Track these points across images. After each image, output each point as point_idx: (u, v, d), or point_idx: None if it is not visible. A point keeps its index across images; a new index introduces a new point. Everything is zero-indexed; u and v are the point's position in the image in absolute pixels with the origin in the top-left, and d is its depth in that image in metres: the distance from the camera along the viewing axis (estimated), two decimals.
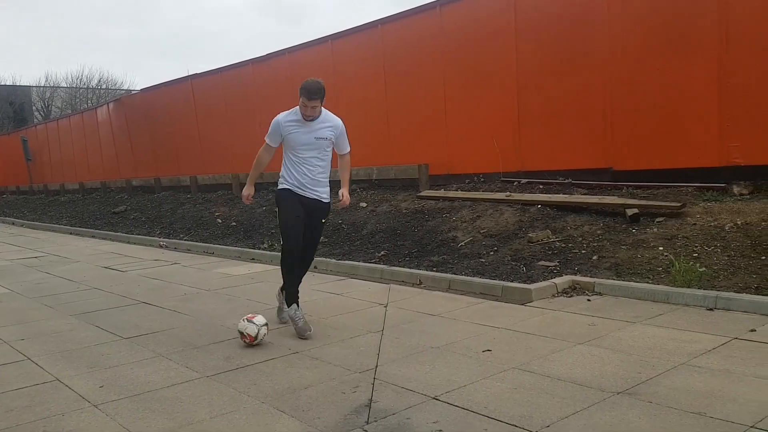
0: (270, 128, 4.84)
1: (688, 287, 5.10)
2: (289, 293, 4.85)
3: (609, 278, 5.69)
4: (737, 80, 6.87)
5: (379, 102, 11.26)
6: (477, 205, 8.61)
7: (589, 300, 5.36)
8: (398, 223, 8.97)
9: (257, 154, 4.97)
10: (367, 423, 3.10)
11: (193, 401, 3.51)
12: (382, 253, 7.80)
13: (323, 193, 4.91)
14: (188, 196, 15.76)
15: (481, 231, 7.73)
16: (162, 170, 17.81)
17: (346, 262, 7.58)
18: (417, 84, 10.58)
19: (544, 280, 5.86)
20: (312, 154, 4.78)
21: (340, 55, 11.98)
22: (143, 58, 67.38)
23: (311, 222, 4.86)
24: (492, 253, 7.01)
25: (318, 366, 4.02)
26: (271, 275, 7.50)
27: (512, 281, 5.95)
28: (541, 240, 6.96)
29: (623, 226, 6.79)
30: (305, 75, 12.62)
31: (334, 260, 7.72)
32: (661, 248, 6.01)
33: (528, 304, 5.38)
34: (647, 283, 5.42)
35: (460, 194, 9.29)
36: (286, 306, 4.87)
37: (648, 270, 5.68)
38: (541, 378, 3.60)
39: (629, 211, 6.84)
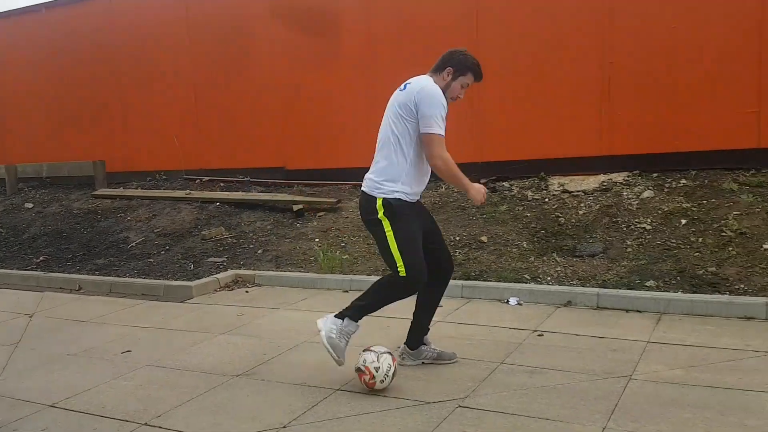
0: (442, 109, 3.23)
1: (332, 273, 5.76)
2: (365, 314, 3.50)
3: (269, 270, 6.11)
4: (381, 90, 7.88)
5: (49, 91, 10.28)
6: (155, 204, 8.44)
7: (247, 292, 5.69)
8: (67, 225, 8.30)
9: (448, 161, 3.24)
10: None
11: None
12: (42, 258, 7.14)
13: None
14: None
15: (156, 230, 7.60)
16: None
17: None
18: (90, 74, 9.92)
19: (209, 276, 6.03)
20: None
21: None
22: None
23: (429, 226, 3.55)
24: (163, 252, 6.95)
25: None
26: None
27: (177, 280, 6.01)
28: (215, 237, 7.14)
29: (290, 221, 7.34)
30: None
31: None
32: (317, 240, 6.66)
33: (188, 301, 5.49)
34: (300, 271, 5.97)
35: (139, 192, 8.99)
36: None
37: (303, 260, 6.25)
38: (171, 371, 3.74)
39: (295, 207, 7.42)
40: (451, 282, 5.12)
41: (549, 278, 5.01)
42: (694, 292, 4.45)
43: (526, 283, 4.96)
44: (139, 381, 3.60)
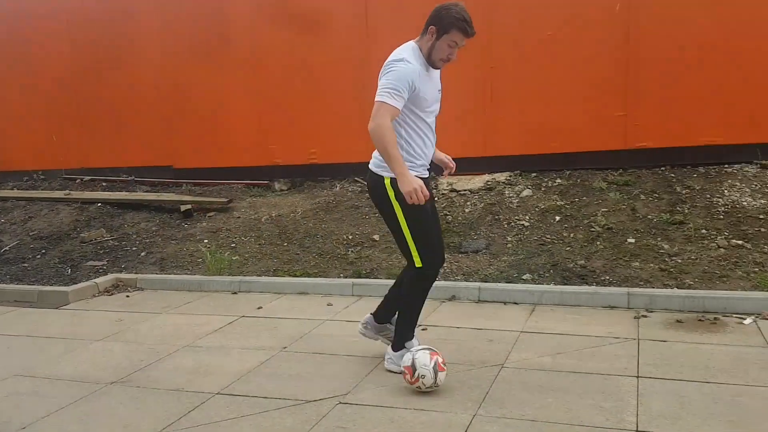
0: (398, 77, 3.02)
1: (220, 275, 5.64)
2: (413, 325, 3.44)
3: (153, 273, 5.89)
4: (272, 92, 7.80)
5: None
6: (32, 205, 7.91)
7: (128, 296, 5.45)
8: None
9: (383, 127, 2.98)
10: None
11: None
12: None
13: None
14: None
15: (31, 233, 7.12)
16: None
17: None
18: None
19: (88, 280, 5.73)
20: (436, 113, 3.33)
21: None
22: None
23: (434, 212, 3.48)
24: (39, 256, 6.53)
25: None
26: None
27: (53, 285, 5.68)
28: (95, 239, 6.78)
29: (177, 222, 7.11)
30: None
31: None
32: (206, 241, 6.49)
33: (63, 308, 5.19)
34: (186, 274, 5.80)
35: (14, 193, 8.39)
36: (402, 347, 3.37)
37: (190, 262, 6.08)
38: (40, 381, 3.54)
39: (183, 207, 7.20)
40: (342, 280, 5.26)
41: None
42: (565, 284, 4.76)
43: None
44: (5, 392, 3.38)
